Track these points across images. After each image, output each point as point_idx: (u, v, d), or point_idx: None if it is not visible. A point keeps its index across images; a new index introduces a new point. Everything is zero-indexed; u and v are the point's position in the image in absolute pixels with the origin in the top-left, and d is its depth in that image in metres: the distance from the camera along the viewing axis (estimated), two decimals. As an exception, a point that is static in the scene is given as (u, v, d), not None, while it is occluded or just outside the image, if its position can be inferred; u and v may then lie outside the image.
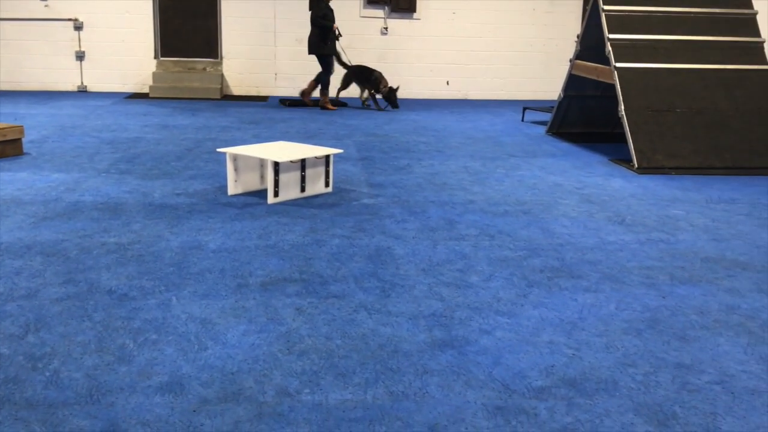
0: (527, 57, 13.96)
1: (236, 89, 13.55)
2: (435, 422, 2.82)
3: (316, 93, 11.90)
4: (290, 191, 6.09)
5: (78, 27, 13.04)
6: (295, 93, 12.99)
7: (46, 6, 12.92)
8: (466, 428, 2.79)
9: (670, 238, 5.33)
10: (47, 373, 3.10)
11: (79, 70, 13.24)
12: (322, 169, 6.33)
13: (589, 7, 9.08)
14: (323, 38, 11.45)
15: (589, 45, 9.26)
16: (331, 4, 11.61)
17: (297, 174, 6.11)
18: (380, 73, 11.81)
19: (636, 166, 7.70)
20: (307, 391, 3.03)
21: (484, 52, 13.84)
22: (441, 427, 2.79)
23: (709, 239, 5.35)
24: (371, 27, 13.55)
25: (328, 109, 11.76)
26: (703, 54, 8.53)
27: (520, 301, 4.06)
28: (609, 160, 8.28)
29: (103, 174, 6.86)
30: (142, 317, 3.70)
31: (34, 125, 9.41)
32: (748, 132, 8.11)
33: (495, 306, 3.98)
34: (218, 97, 12.88)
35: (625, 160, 8.05)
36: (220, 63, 13.43)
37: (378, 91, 11.79)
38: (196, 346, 3.40)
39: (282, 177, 5.98)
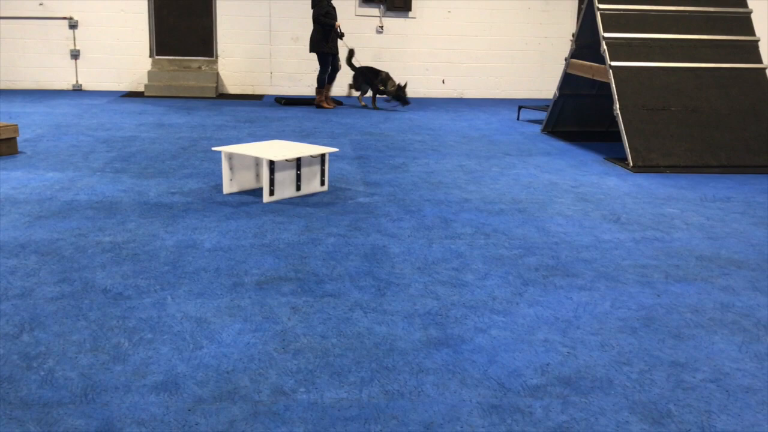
0: (522, 56, 13.97)
1: (232, 88, 13.54)
2: (430, 421, 2.82)
3: (334, 92, 11.79)
4: (286, 190, 6.09)
5: (73, 25, 13.01)
6: (290, 91, 12.97)
7: (40, 4, 12.89)
8: (462, 427, 2.79)
9: (665, 237, 5.34)
10: (42, 373, 3.10)
11: (74, 69, 13.21)
12: (317, 168, 6.32)
13: (584, 6, 9.09)
14: (325, 36, 11.44)
15: (585, 44, 9.28)
16: (332, 2, 11.60)
17: (292, 173, 6.11)
18: (387, 74, 11.84)
19: (631, 164, 7.71)
20: (302, 389, 3.03)
21: (479, 50, 13.85)
22: (436, 425, 2.80)
23: (704, 237, 5.36)
24: (366, 26, 13.54)
25: (323, 107, 11.76)
26: (698, 53, 8.54)
27: (516, 300, 4.07)
28: (604, 158, 8.29)
29: (98, 173, 6.84)
30: (137, 316, 3.69)
31: (29, 124, 9.39)
32: (742, 130, 8.12)
33: (490, 304, 3.98)
34: (213, 95, 12.87)
35: (620, 159, 8.07)
36: (216, 61, 13.41)
37: (386, 92, 11.78)
38: (191, 345, 3.39)
39: (277, 176, 5.98)
